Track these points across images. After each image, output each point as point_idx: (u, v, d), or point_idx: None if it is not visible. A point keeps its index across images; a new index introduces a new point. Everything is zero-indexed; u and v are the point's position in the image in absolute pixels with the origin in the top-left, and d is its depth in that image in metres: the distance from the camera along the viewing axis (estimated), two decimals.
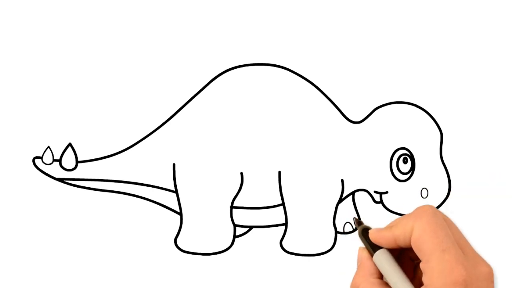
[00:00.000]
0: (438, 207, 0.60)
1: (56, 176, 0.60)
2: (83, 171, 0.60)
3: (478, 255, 0.37)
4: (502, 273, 0.60)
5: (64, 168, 0.60)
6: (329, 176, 0.60)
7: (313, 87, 0.60)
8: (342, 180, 0.60)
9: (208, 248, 0.60)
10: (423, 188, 0.59)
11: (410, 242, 0.37)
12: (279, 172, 0.59)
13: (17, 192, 0.60)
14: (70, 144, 0.60)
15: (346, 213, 0.61)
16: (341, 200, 0.60)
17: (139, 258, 0.60)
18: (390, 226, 0.39)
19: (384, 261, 0.38)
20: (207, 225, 0.60)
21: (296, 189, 0.59)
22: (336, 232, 0.60)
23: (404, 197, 0.60)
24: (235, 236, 0.60)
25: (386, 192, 0.60)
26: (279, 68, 0.60)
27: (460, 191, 0.60)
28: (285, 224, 0.60)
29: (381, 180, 0.60)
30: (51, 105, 0.60)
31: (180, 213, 0.60)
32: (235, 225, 0.60)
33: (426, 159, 0.60)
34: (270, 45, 0.61)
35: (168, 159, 0.60)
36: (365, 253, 0.40)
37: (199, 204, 0.60)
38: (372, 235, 0.39)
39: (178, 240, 0.60)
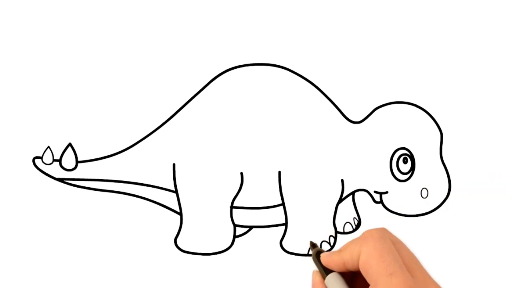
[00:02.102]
0: (438, 207, 0.60)
1: (56, 176, 0.60)
2: (83, 171, 0.60)
3: (429, 278, 0.37)
4: (502, 272, 0.60)
5: (64, 168, 0.60)
6: (329, 176, 0.60)
7: (313, 87, 0.60)
8: (342, 180, 0.60)
9: (208, 248, 0.60)
10: (423, 188, 0.59)
11: (358, 266, 0.37)
12: (279, 172, 0.59)
13: (17, 192, 0.60)
14: (70, 144, 0.60)
15: (346, 213, 0.61)
16: (341, 200, 0.60)
17: (139, 258, 0.60)
18: (340, 250, 0.39)
19: (335, 284, 0.38)
20: (207, 225, 0.60)
21: (296, 189, 0.59)
22: (336, 232, 0.60)
23: (404, 197, 0.60)
24: (235, 236, 0.60)
25: (386, 192, 0.60)
26: (279, 68, 0.60)
27: (460, 191, 0.60)
28: (285, 224, 0.60)
29: (381, 180, 0.60)
30: (51, 105, 0.60)
31: (180, 213, 0.60)
32: (235, 225, 0.60)
33: (426, 159, 0.60)
34: (270, 45, 0.61)
35: (168, 159, 0.60)
36: (318, 277, 0.40)
37: (199, 204, 0.60)
38: (323, 259, 0.39)
39: (178, 240, 0.60)
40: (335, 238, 0.60)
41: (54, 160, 0.60)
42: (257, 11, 0.61)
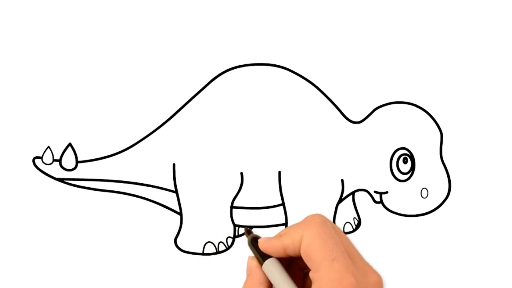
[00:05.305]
0: (438, 207, 0.60)
1: (56, 176, 0.60)
2: (83, 171, 0.60)
3: (368, 265, 0.37)
4: (501, 272, 0.60)
5: (64, 168, 0.60)
6: (329, 176, 0.60)
7: (313, 87, 0.60)
8: (342, 180, 0.60)
9: (208, 248, 0.60)
10: (423, 188, 0.59)
11: (299, 251, 0.36)
12: (279, 172, 0.59)
13: (17, 192, 0.60)
14: (70, 144, 0.60)
15: (346, 213, 0.61)
16: (341, 200, 0.60)
17: (139, 258, 0.60)
18: (279, 235, 0.38)
19: (273, 270, 0.38)
20: (207, 225, 0.60)
21: (296, 189, 0.59)
22: None
23: (404, 197, 0.60)
24: (235, 236, 0.60)
25: (386, 192, 0.60)
26: (279, 68, 0.60)
27: (460, 191, 0.60)
28: (285, 224, 0.60)
29: (381, 180, 0.60)
30: (51, 105, 0.60)
31: (180, 213, 0.60)
32: (235, 225, 0.60)
33: (426, 159, 0.60)
34: (270, 45, 0.61)
35: (168, 159, 0.60)
36: (255, 262, 0.40)
37: (199, 204, 0.60)
38: (261, 244, 0.39)
39: (178, 240, 0.60)
40: None
41: (54, 160, 0.60)
42: (257, 11, 0.61)
